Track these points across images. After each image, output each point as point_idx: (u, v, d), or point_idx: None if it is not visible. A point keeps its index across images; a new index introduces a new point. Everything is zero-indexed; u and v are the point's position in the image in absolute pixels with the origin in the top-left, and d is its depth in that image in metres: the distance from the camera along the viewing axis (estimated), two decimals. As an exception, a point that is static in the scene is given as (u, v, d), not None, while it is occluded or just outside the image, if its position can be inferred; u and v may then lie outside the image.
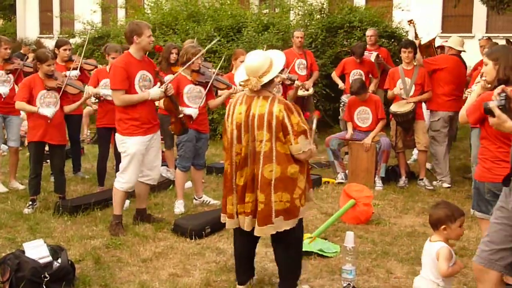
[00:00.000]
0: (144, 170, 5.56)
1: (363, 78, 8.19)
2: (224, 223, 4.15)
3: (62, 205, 6.01)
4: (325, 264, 4.73)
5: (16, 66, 7.10)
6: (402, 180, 7.34)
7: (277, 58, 4.03)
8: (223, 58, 7.61)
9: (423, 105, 7.57)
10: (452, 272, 3.55)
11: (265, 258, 4.77)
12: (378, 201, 6.54)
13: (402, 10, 12.83)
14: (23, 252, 4.25)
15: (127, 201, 5.96)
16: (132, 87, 5.33)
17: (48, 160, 6.86)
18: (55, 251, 4.34)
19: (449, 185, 7.24)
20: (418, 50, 7.39)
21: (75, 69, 7.15)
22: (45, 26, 24.72)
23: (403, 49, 7.36)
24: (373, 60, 8.79)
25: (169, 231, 5.51)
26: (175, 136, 6.43)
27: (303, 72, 8.84)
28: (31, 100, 6.05)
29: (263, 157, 3.85)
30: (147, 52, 5.72)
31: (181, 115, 5.70)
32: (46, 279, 4.04)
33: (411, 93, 7.26)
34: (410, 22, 7.86)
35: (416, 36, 7.70)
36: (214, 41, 6.88)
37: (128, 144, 5.37)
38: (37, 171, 6.25)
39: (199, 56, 5.95)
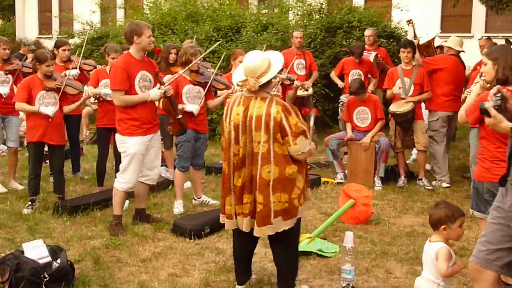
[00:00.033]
0: (143, 170, 5.56)
1: (362, 78, 8.20)
2: (224, 223, 4.15)
3: (61, 206, 6.01)
4: (324, 264, 4.74)
5: (15, 66, 7.10)
6: (401, 180, 7.34)
7: (276, 59, 4.03)
8: (222, 58, 7.62)
9: (422, 105, 7.58)
10: (452, 272, 3.55)
11: (264, 258, 4.78)
12: (377, 201, 6.54)
13: (401, 10, 12.85)
14: (23, 252, 4.25)
15: (126, 201, 5.96)
16: (132, 87, 5.34)
17: (48, 161, 6.87)
18: (55, 251, 4.34)
19: (448, 185, 7.25)
20: (417, 50, 7.40)
21: (74, 68, 7.16)
22: (44, 26, 24.71)
23: (402, 49, 7.37)
24: (372, 60, 8.80)
25: (168, 231, 5.51)
26: (174, 136, 6.43)
27: (302, 72, 8.84)
28: (30, 101, 6.05)
29: (261, 158, 3.85)
30: (146, 53, 5.72)
31: (179, 116, 5.70)
32: (45, 279, 4.04)
33: (410, 93, 7.27)
34: (409, 22, 7.87)
35: (415, 36, 7.70)
36: (215, 44, 6.88)
37: (128, 144, 5.37)
38: (36, 172, 6.25)
39: (199, 59, 5.96)
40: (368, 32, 9.27)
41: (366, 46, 8.97)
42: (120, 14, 18.68)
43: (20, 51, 14.85)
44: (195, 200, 6.49)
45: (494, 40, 8.57)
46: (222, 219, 4.15)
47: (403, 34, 11.49)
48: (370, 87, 8.47)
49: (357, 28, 10.89)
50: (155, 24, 11.29)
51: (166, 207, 6.37)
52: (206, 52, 6.08)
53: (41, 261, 4.14)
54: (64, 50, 7.38)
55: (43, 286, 4.04)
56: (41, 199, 6.48)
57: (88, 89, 6.56)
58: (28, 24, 25.49)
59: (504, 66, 3.77)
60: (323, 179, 7.46)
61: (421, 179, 7.30)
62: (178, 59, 6.38)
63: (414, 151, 8.27)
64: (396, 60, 9.70)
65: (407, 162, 7.90)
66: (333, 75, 9.06)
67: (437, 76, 7.30)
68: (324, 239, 5.20)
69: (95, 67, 7.86)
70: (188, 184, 6.87)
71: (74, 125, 7.49)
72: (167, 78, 6.48)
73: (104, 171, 6.98)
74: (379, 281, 4.43)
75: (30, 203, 6.18)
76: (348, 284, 4.22)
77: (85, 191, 7.04)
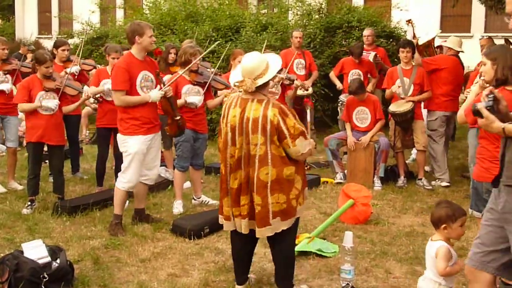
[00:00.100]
0: (142, 170, 5.56)
1: (362, 78, 8.20)
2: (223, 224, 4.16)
3: (60, 206, 6.01)
4: (323, 264, 4.74)
5: (14, 66, 7.11)
6: (401, 180, 7.34)
7: (274, 61, 4.03)
8: (221, 58, 7.62)
9: (422, 104, 7.57)
10: (451, 272, 3.54)
11: (263, 258, 4.78)
12: (376, 201, 6.54)
13: (401, 10, 12.84)
14: (22, 252, 4.25)
15: (126, 201, 5.96)
16: (134, 87, 5.34)
17: (47, 161, 6.87)
18: (54, 251, 4.34)
19: (447, 184, 7.24)
20: (416, 50, 7.40)
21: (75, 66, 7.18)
22: (44, 26, 24.72)
23: (401, 49, 7.37)
24: (371, 60, 8.80)
25: (168, 231, 5.51)
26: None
27: (302, 72, 8.85)
28: (30, 101, 6.04)
29: (258, 161, 3.85)
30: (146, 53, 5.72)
31: (177, 117, 5.70)
32: (45, 280, 4.05)
33: (410, 93, 7.27)
34: (409, 22, 7.87)
35: (414, 36, 7.70)
36: (214, 44, 6.88)
37: (129, 144, 5.37)
38: (36, 172, 6.25)
39: (199, 58, 5.97)
40: (366, 32, 9.28)
41: (364, 46, 8.97)
42: (119, 14, 18.69)
43: (20, 51, 14.84)
44: (195, 200, 6.49)
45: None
46: (221, 220, 4.16)
47: (402, 34, 11.49)
48: (369, 87, 8.47)
49: (357, 28, 10.89)
50: (155, 24, 11.26)
51: (166, 207, 6.37)
52: (205, 52, 6.08)
53: (40, 261, 4.14)
54: (63, 50, 7.38)
55: (43, 286, 4.04)
56: (40, 199, 6.47)
57: (88, 90, 6.55)
58: (27, 24, 25.50)
59: (504, 66, 3.77)
60: (322, 179, 7.46)
61: (421, 179, 7.30)
62: (178, 59, 6.38)
63: (414, 151, 8.27)
64: (395, 60, 9.70)
65: (407, 162, 7.90)
66: (332, 75, 9.06)
67: (437, 76, 7.30)
68: (324, 239, 5.20)
69: (94, 67, 7.87)
70: (187, 184, 6.87)
71: (73, 125, 7.49)
72: (166, 78, 6.48)
73: (104, 171, 6.98)
74: (379, 281, 4.43)
75: (29, 203, 6.18)
76: (347, 284, 4.22)
77: (84, 191, 7.04)
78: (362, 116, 7.51)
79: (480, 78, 4.35)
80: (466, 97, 4.99)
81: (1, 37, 7.46)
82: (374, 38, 9.36)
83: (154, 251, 5.02)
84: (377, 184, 7.25)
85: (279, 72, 6.31)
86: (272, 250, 4.15)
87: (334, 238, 5.33)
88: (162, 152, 6.99)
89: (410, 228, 5.69)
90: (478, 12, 16.13)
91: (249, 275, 4.31)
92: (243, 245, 4.18)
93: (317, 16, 11.63)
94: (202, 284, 4.33)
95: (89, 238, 5.33)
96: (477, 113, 3.07)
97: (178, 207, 6.19)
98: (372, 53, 8.88)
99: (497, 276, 3.47)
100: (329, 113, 10.58)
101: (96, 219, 5.85)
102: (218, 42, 8.13)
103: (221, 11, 11.53)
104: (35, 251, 4.23)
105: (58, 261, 4.21)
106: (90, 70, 7.90)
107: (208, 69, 6.45)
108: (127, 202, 6.08)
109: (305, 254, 4.83)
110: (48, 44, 18.82)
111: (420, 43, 7.68)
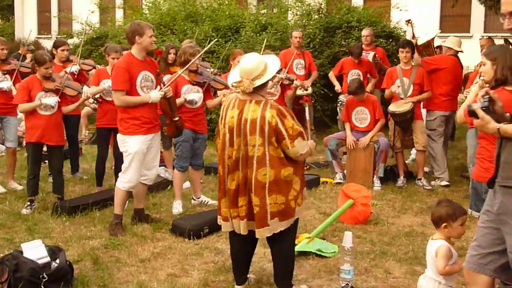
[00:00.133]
0: (142, 170, 5.56)
1: (361, 78, 8.20)
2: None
3: (60, 206, 6.00)
4: (323, 264, 4.74)
5: (13, 66, 7.10)
6: (401, 180, 7.34)
7: (272, 63, 4.04)
8: (221, 58, 7.62)
9: (421, 104, 7.58)
10: (450, 271, 3.54)
11: (263, 258, 4.78)
12: (376, 201, 6.54)
13: (400, 10, 12.85)
14: (21, 252, 4.25)
15: (126, 202, 5.96)
16: (134, 87, 5.34)
17: (46, 161, 6.86)
18: (53, 251, 4.34)
19: (447, 183, 7.25)
20: (415, 50, 7.40)
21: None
22: (43, 26, 24.71)
23: (400, 49, 7.38)
24: (370, 60, 8.80)
25: (167, 231, 5.51)
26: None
27: (301, 72, 8.85)
28: (30, 102, 6.04)
29: (256, 162, 3.85)
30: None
31: (176, 118, 5.70)
32: (44, 280, 4.04)
33: (409, 93, 7.27)
34: (408, 22, 7.87)
35: (413, 36, 7.70)
36: (212, 42, 6.87)
37: (129, 143, 5.37)
38: (35, 172, 6.25)
39: (197, 58, 5.96)
40: (365, 32, 9.28)
41: (363, 46, 8.97)
42: (119, 14, 18.70)
43: (19, 51, 14.84)
44: (194, 200, 6.49)
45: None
46: (219, 220, 4.17)
47: (402, 34, 11.49)
48: (368, 87, 8.47)
49: (356, 28, 10.89)
50: (154, 24, 11.27)
51: (165, 207, 6.36)
52: (202, 51, 6.08)
53: (40, 261, 4.14)
54: (63, 50, 7.37)
55: (42, 286, 4.04)
56: (40, 199, 6.47)
57: (88, 90, 6.55)
58: (27, 24, 25.49)
59: (503, 66, 3.77)
60: (322, 179, 7.46)
61: (420, 179, 7.30)
62: (177, 59, 6.38)
63: (413, 151, 8.27)
64: (395, 60, 9.70)
65: (406, 162, 7.90)
66: (332, 75, 9.06)
67: (436, 76, 7.30)
68: (323, 239, 5.20)
69: (94, 67, 7.87)
70: (187, 184, 6.86)
71: (73, 125, 7.49)
72: (166, 78, 6.48)
73: (103, 171, 6.97)
74: (378, 281, 4.43)
75: (29, 203, 6.18)
76: (347, 284, 4.22)
77: (84, 191, 7.03)
78: (362, 116, 7.51)
79: (479, 78, 4.35)
80: (466, 97, 5.00)
81: (1, 37, 7.45)
82: (372, 38, 9.37)
83: (153, 251, 5.02)
84: (377, 184, 7.25)
85: (279, 72, 6.32)
86: (271, 250, 4.15)
87: (334, 238, 5.33)
88: (161, 152, 6.99)
89: (410, 228, 5.69)
90: (478, 12, 16.14)
91: (248, 275, 4.32)
92: (241, 246, 4.18)
93: (316, 16, 11.63)
94: (201, 284, 4.33)
95: (88, 238, 5.33)
96: (472, 113, 3.09)
97: (177, 207, 6.19)
98: (371, 53, 8.88)
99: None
100: (329, 113, 10.58)
101: (95, 219, 5.85)
102: (215, 40, 8.14)
103: (220, 11, 11.53)
104: (35, 251, 4.23)
105: (57, 261, 4.21)
106: (90, 70, 7.89)
107: (208, 69, 6.44)
108: (127, 202, 6.08)
109: (304, 254, 4.83)
110: (47, 44, 18.81)
111: (419, 43, 7.68)
